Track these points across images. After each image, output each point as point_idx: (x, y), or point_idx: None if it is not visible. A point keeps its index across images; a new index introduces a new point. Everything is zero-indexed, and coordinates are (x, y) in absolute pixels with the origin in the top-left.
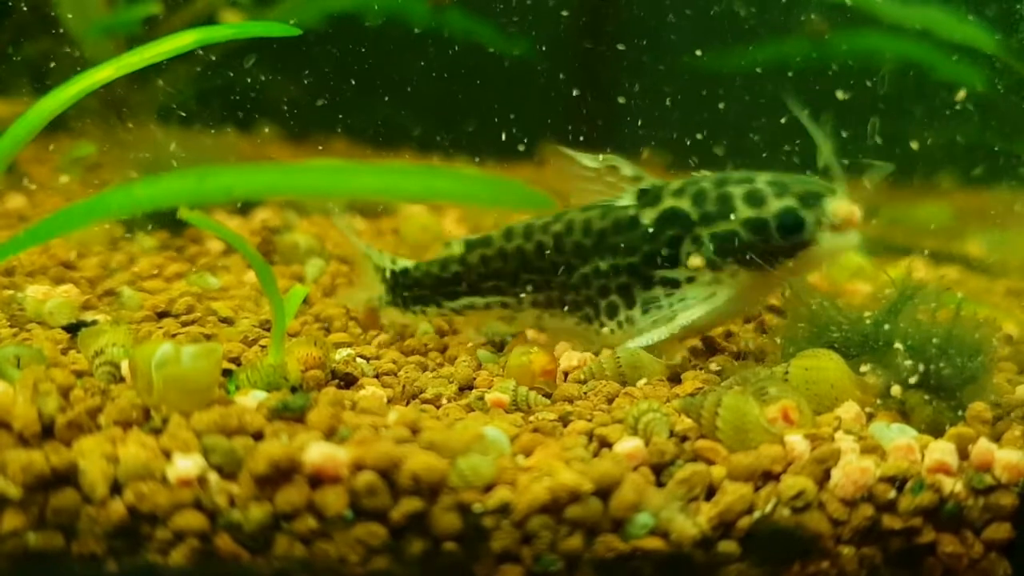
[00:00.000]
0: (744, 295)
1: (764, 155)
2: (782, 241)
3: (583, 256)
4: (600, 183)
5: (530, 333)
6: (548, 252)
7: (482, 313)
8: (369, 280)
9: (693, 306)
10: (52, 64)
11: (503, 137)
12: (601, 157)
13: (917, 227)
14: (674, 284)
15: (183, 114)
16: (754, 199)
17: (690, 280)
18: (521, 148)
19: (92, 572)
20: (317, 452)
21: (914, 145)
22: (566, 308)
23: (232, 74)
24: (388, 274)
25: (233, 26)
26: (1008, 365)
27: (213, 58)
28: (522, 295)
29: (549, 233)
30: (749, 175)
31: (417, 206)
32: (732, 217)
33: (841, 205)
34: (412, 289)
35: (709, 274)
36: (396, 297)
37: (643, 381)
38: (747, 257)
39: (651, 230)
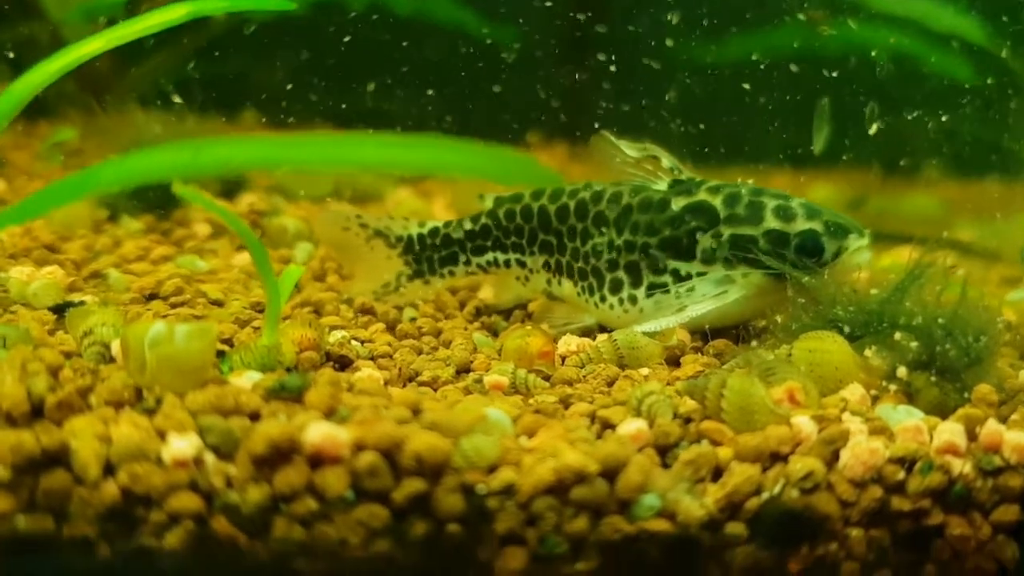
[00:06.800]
0: (753, 299)
1: (756, 142)
2: (796, 259)
3: (602, 226)
4: (640, 171)
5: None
6: (569, 216)
7: (503, 272)
8: (379, 263)
9: (704, 300)
10: (32, 48)
11: (491, 122)
12: (643, 147)
13: (906, 217)
14: (685, 276)
15: (166, 100)
16: (784, 214)
17: (701, 275)
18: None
19: (84, 556)
20: (317, 432)
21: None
22: (572, 276)
23: (216, 59)
24: (415, 238)
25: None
26: (1008, 351)
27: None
28: (536, 255)
29: (575, 198)
30: (787, 195)
31: (405, 192)
32: (758, 224)
33: (863, 248)
34: (441, 249)
35: (721, 271)
36: (422, 264)
37: (646, 371)
38: (759, 263)
39: (677, 216)
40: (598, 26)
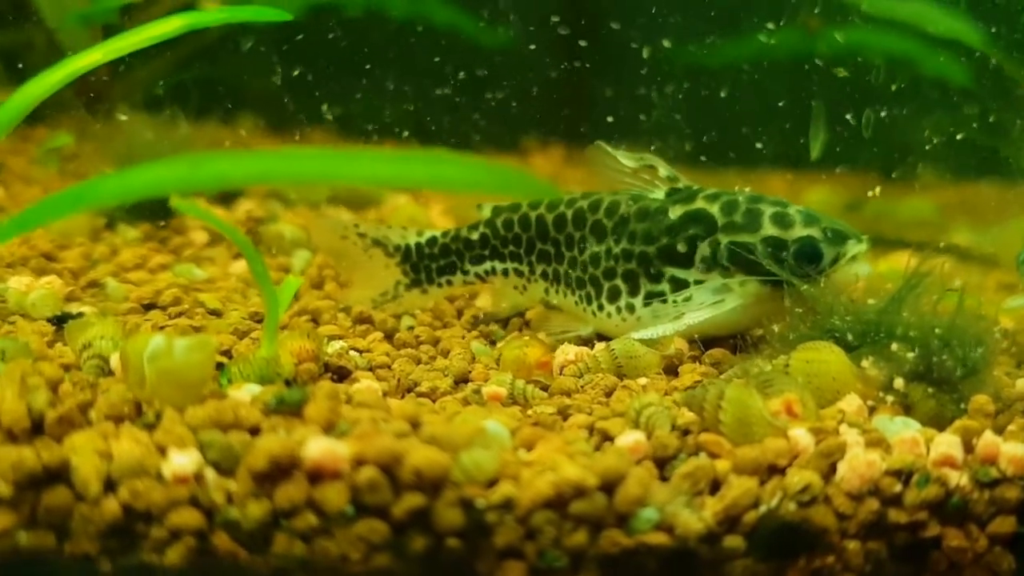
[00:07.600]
0: (751, 308)
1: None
2: (795, 266)
3: (600, 235)
4: (637, 180)
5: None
6: (567, 225)
7: (501, 281)
8: (377, 272)
9: (701, 308)
10: (28, 53)
11: (487, 126)
12: (640, 156)
13: (903, 222)
14: (682, 284)
15: (162, 106)
16: (782, 221)
17: (699, 283)
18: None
19: (85, 572)
20: (317, 447)
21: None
22: (570, 284)
23: (212, 66)
24: (413, 248)
25: (222, 11)
26: (1005, 359)
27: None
28: (534, 265)
29: (573, 207)
30: (785, 201)
31: (403, 198)
32: (755, 231)
33: (861, 254)
34: (439, 259)
35: (718, 280)
36: (420, 273)
37: (644, 381)
38: (757, 271)
39: (674, 224)
40: (593, 29)
